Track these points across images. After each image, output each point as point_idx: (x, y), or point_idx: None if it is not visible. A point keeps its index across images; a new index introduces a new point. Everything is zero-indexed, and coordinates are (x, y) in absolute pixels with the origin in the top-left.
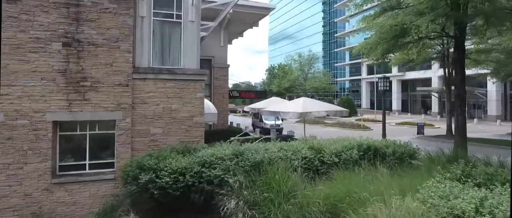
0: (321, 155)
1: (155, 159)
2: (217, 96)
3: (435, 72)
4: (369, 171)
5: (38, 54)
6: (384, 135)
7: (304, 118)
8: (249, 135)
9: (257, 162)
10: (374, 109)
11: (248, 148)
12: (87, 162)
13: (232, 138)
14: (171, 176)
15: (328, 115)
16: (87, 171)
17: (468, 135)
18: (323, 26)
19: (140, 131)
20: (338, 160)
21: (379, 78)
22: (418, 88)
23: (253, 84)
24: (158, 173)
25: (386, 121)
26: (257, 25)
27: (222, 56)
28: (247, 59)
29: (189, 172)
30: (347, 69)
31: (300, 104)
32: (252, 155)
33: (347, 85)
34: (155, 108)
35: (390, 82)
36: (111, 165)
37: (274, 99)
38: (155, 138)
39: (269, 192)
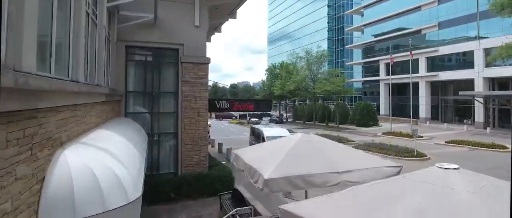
0: None
1: None
2: (188, 112)
3: (479, 72)
4: None
5: None
6: None
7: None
8: (246, 204)
9: None
10: (395, 116)
11: None
12: None
13: None
14: None
15: None
16: None
17: None
18: (328, 22)
19: None
20: None
21: None
22: (461, 93)
23: (252, 85)
24: None
25: (418, 133)
26: None
27: (197, 44)
28: (245, 60)
29: None
30: (356, 69)
31: None
32: None
33: (355, 86)
34: None
35: None
36: None
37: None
38: None
39: None
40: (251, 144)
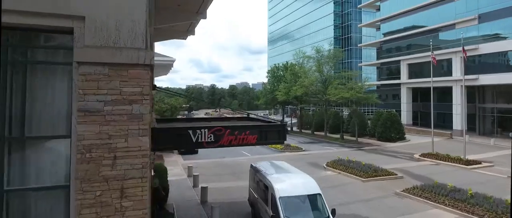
0: None
1: None
2: (93, 191)
3: None
4: None
5: None
6: None
7: None
8: None
9: None
10: (417, 126)
11: None
12: None
13: None
14: None
15: None
16: None
17: None
18: (334, 20)
19: None
20: None
21: None
22: None
23: (251, 86)
24: None
25: (468, 155)
26: None
27: (120, 17)
28: (244, 60)
29: None
30: (365, 70)
31: None
32: None
33: (366, 90)
34: None
35: None
36: None
37: None
38: None
39: None
40: (251, 198)
